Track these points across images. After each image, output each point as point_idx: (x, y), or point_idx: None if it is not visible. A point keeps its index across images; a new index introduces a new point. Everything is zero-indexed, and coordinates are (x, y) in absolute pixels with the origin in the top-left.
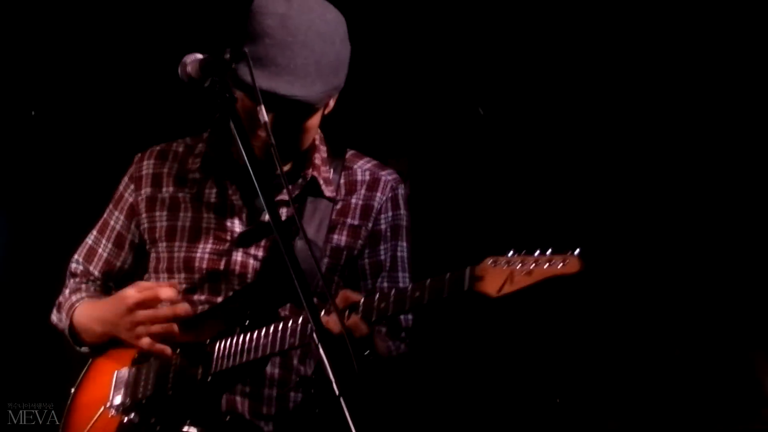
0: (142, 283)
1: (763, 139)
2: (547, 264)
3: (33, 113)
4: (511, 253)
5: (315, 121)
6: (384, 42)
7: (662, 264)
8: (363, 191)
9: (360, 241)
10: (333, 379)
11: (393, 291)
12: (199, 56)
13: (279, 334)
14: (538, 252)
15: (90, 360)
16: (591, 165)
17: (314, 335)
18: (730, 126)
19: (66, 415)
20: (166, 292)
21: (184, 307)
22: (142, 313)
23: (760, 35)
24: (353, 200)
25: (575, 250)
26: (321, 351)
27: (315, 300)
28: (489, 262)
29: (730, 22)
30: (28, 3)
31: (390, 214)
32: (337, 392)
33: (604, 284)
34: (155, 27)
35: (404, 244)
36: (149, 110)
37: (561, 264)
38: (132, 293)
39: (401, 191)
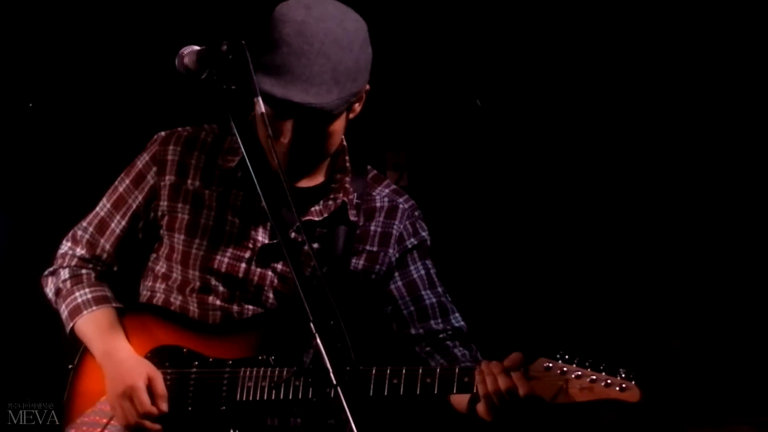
0: (154, 387)
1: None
2: (605, 383)
3: (30, 105)
4: (560, 357)
5: (338, 126)
6: (382, 34)
7: (658, 256)
8: (381, 218)
9: (377, 266)
10: (330, 369)
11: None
12: (196, 48)
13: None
14: (589, 363)
15: None
16: (588, 159)
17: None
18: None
19: (69, 399)
20: (162, 409)
21: (157, 427)
22: (131, 407)
23: (760, 35)
24: (372, 227)
25: (630, 374)
26: (318, 341)
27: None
28: (543, 366)
29: (730, 22)
30: None
31: (413, 239)
32: (334, 382)
33: (602, 276)
34: (151, 19)
35: (431, 261)
36: (148, 105)
37: (619, 388)
38: (140, 389)
39: (418, 214)
